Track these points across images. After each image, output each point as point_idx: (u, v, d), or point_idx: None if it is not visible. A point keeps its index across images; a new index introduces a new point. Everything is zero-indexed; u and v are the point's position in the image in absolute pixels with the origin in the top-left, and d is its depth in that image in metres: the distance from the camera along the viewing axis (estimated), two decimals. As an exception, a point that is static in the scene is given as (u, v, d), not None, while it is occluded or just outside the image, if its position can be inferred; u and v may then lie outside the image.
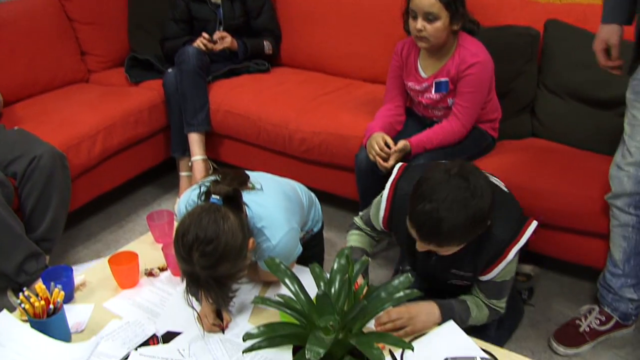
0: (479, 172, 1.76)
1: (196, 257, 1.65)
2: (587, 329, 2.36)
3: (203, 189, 1.85)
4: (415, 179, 1.92)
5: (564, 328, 2.40)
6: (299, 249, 2.06)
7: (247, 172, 2.07)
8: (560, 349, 2.34)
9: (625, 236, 2.22)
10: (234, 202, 1.80)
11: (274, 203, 2.01)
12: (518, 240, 1.88)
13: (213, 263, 1.66)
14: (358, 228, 2.24)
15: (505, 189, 2.06)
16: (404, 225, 1.84)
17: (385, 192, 2.07)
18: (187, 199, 2.02)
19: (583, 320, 2.38)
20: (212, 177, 1.88)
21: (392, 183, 2.07)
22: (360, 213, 2.27)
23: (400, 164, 2.14)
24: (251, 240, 1.79)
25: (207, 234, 1.65)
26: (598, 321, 2.37)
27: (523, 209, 2.04)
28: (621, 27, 2.07)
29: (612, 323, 2.37)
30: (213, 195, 1.77)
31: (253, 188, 2.00)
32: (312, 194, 2.38)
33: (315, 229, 2.37)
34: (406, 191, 1.97)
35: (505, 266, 1.91)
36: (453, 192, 1.68)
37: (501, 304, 2.03)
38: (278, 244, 1.93)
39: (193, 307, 1.83)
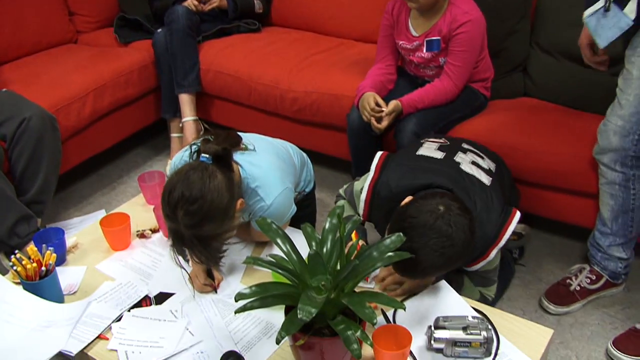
0: (465, 215, 1.70)
1: (180, 215, 1.64)
2: (578, 288, 2.38)
3: (194, 148, 1.84)
4: (394, 174, 1.96)
5: (554, 287, 2.42)
6: (293, 208, 2.06)
7: (240, 134, 2.05)
8: (551, 308, 2.36)
9: (612, 194, 2.23)
10: (223, 161, 1.79)
11: (268, 163, 2.00)
12: (499, 242, 1.88)
13: (197, 222, 1.65)
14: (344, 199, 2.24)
15: (486, 180, 1.99)
16: (383, 221, 1.85)
17: (364, 193, 2.05)
18: (179, 159, 2.01)
19: (573, 279, 2.40)
20: (205, 138, 1.87)
21: (370, 184, 2.04)
22: (345, 186, 2.25)
23: (379, 154, 2.10)
24: (240, 201, 1.78)
25: (193, 193, 1.64)
26: (588, 280, 2.39)
27: (513, 176, 2.01)
28: None
29: (602, 282, 2.39)
30: (202, 154, 1.75)
31: (246, 149, 1.99)
32: (304, 154, 2.37)
33: (308, 190, 2.36)
34: (385, 194, 1.98)
35: (485, 264, 1.92)
36: (434, 239, 1.64)
37: (489, 292, 2.04)
38: (272, 204, 1.93)
39: (182, 267, 1.83)
